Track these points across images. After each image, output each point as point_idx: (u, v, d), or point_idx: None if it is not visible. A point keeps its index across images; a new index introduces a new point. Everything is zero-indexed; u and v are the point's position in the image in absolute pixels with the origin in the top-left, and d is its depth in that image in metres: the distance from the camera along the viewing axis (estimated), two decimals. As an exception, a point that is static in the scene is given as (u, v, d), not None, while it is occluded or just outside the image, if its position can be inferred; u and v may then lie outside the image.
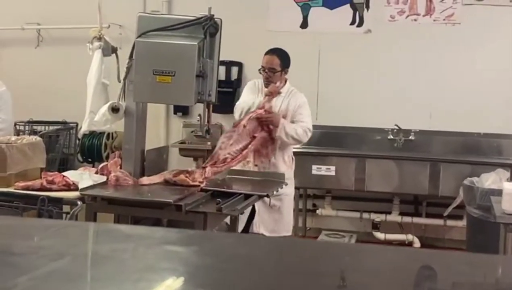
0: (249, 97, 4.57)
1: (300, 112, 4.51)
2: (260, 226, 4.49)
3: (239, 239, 1.78)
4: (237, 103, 4.61)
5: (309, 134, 4.49)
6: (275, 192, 3.99)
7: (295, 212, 6.14)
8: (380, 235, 6.14)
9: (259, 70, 4.52)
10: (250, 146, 4.18)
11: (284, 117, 4.45)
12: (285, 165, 4.51)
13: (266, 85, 4.52)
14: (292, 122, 4.46)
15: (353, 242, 6.03)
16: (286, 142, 4.42)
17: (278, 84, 4.45)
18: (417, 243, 6.13)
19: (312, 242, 1.75)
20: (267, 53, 4.53)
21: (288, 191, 4.46)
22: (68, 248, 1.49)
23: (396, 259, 1.47)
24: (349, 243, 5.96)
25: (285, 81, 4.60)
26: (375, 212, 6.24)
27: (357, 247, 1.73)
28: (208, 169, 3.99)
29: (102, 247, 1.53)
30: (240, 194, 3.72)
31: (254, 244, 1.61)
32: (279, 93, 4.53)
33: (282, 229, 4.55)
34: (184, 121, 6.89)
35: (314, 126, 6.32)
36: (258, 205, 4.42)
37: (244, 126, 4.19)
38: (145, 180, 3.87)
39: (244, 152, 4.13)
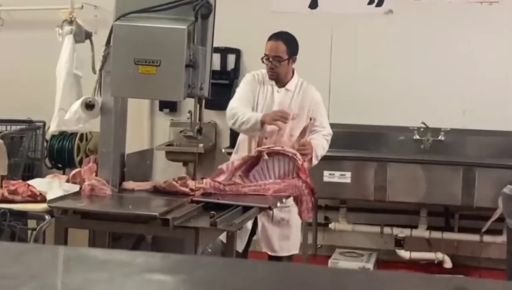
0: (246, 96, 4.50)
1: (319, 114, 4.53)
2: (262, 245, 4.48)
3: (236, 265, 1.76)
4: (231, 102, 4.51)
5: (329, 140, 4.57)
6: (279, 204, 3.97)
7: (303, 226, 6.15)
8: (404, 254, 6.13)
9: (262, 58, 4.50)
10: (277, 185, 4.01)
11: (294, 118, 4.41)
12: None
13: (272, 77, 4.51)
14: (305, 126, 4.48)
15: (372, 262, 6.02)
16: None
17: (290, 113, 4.33)
18: (448, 263, 6.13)
19: (324, 270, 1.73)
20: (270, 38, 4.50)
21: None
22: (31, 279, 1.48)
23: None
24: (368, 266, 5.96)
25: (293, 72, 4.59)
26: (399, 226, 6.23)
27: (380, 275, 1.72)
28: (207, 181, 3.98)
29: (72, 277, 1.52)
30: (238, 206, 3.71)
31: (254, 271, 1.60)
32: (286, 89, 4.52)
33: (290, 246, 4.55)
34: (172, 119, 6.89)
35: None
36: (261, 219, 4.42)
37: (262, 156, 4.03)
38: (130, 184, 3.86)
39: (264, 187, 3.98)
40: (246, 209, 3.73)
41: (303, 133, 4.39)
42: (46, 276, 1.51)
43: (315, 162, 4.38)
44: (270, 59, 4.45)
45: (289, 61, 4.48)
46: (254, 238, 4.60)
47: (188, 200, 3.78)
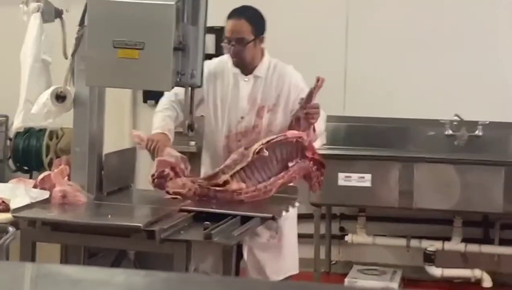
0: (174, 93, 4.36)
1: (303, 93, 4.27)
2: (251, 271, 4.41)
3: (232, 283, 1.78)
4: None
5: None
6: (284, 213, 3.97)
7: (315, 239, 6.16)
8: (435, 271, 6.14)
9: (222, 42, 4.37)
10: (281, 180, 4.04)
11: (273, 110, 4.31)
12: None
13: (236, 63, 4.34)
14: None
15: (397, 280, 6.03)
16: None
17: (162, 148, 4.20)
18: (487, 281, 6.14)
19: (338, 289, 1.70)
20: (230, 16, 4.32)
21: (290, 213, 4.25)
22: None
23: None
24: (392, 285, 5.97)
25: (262, 54, 4.40)
26: (428, 238, 6.24)
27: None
28: (201, 182, 4.00)
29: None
30: (235, 216, 3.71)
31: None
32: (256, 76, 4.36)
33: (286, 268, 4.47)
34: (158, 113, 6.89)
35: (340, 119, 6.42)
36: (245, 242, 4.35)
37: (262, 153, 3.99)
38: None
39: (265, 191, 3.99)
40: (245, 218, 3.74)
41: (309, 98, 4.09)
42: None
43: (318, 143, 4.31)
44: (233, 43, 4.28)
45: (256, 42, 4.31)
46: (241, 264, 4.48)
47: (176, 208, 3.79)
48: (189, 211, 3.76)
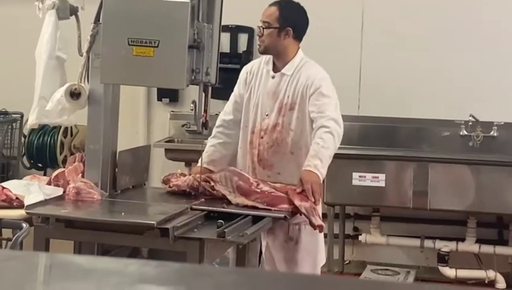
0: (229, 109, 4.50)
1: (317, 92, 4.22)
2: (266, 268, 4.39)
3: (246, 275, 1.77)
4: (226, 105, 4.58)
5: (341, 128, 4.23)
6: (299, 218, 3.96)
7: (329, 239, 6.15)
8: (449, 272, 6.12)
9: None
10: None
11: (292, 108, 4.27)
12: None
13: (259, 49, 4.39)
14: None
15: (411, 281, 6.01)
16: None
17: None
18: (501, 283, 6.11)
19: (355, 282, 1.71)
20: (269, 5, 4.42)
21: None
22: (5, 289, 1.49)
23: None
24: (406, 283, 5.95)
25: (295, 52, 4.38)
26: (442, 238, 6.22)
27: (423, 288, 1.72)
28: (198, 177, 4.03)
29: (51, 287, 1.54)
30: (247, 215, 3.71)
31: (269, 283, 1.61)
32: (282, 74, 4.34)
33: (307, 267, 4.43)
34: (172, 111, 6.90)
35: (355, 119, 6.40)
36: (265, 237, 4.34)
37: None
38: None
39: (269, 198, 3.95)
40: (256, 218, 3.74)
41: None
42: (23, 287, 1.53)
43: (324, 172, 4.11)
44: (260, 26, 4.36)
45: (280, 32, 4.29)
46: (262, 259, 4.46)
47: (188, 207, 3.80)
48: (201, 210, 3.76)
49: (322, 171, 4.03)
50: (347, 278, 5.26)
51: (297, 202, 3.88)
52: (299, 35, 4.39)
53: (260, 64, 4.45)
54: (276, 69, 4.37)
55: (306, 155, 4.16)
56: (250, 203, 3.87)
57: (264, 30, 4.30)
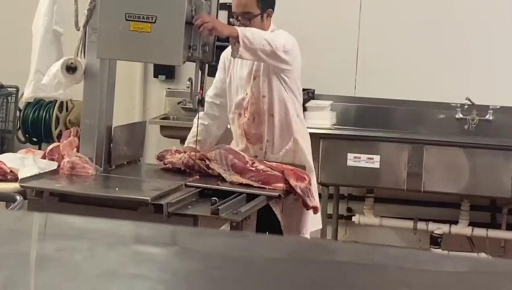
0: (215, 90, 4.45)
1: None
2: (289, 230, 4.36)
3: (239, 238, 1.78)
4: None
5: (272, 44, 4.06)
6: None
7: (322, 219, 6.16)
8: (441, 253, 6.14)
9: (231, 18, 4.33)
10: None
11: (257, 75, 4.24)
12: (302, 147, 4.40)
13: None
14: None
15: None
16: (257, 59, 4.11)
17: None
18: (493, 266, 6.13)
19: (347, 246, 1.72)
20: None
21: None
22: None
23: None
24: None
25: (268, 28, 4.31)
26: (435, 221, 6.24)
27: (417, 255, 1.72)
28: (193, 155, 4.03)
29: (44, 246, 1.54)
30: (241, 193, 3.71)
31: (265, 245, 1.61)
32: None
33: (315, 222, 4.43)
34: (169, 88, 6.89)
35: (351, 100, 6.40)
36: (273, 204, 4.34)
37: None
38: None
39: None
40: (250, 197, 3.73)
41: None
42: (17, 243, 1.53)
43: (246, 52, 3.96)
44: (239, 18, 4.22)
45: (263, 16, 4.23)
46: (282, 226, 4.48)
47: (183, 184, 3.80)
48: (195, 187, 3.77)
49: (240, 30, 3.94)
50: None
51: (292, 182, 3.89)
52: (274, 9, 4.33)
53: None
54: None
55: (285, 110, 4.27)
56: (244, 181, 3.87)
57: (249, 21, 4.18)
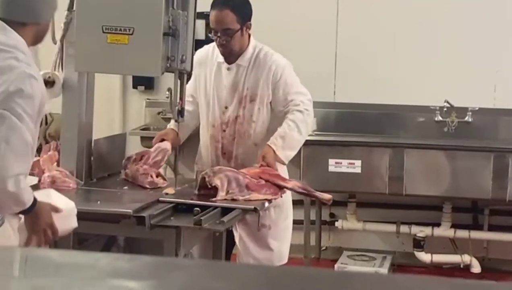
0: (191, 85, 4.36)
1: (283, 82, 4.24)
2: (244, 259, 4.37)
3: (219, 267, 1.77)
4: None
5: (311, 108, 4.30)
6: (267, 204, 3.90)
7: (305, 225, 6.16)
8: (424, 257, 6.15)
9: (209, 33, 4.30)
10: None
11: (253, 99, 4.26)
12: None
13: (224, 54, 4.26)
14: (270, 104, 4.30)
15: (387, 266, 6.03)
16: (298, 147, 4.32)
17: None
18: (476, 267, 6.15)
19: (327, 274, 1.71)
20: (214, 6, 4.21)
21: (284, 198, 4.26)
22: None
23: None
24: (381, 271, 5.98)
25: (249, 40, 4.31)
26: (418, 224, 6.25)
27: (397, 280, 1.72)
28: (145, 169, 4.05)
29: (21, 283, 1.52)
30: (216, 207, 3.64)
31: (241, 276, 1.60)
32: (238, 65, 4.28)
33: (274, 258, 4.37)
34: (148, 99, 6.87)
35: (331, 105, 6.41)
36: (237, 229, 4.32)
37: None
38: None
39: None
40: (226, 210, 3.67)
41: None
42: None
43: (288, 155, 4.21)
44: (219, 34, 4.17)
45: (243, 31, 4.22)
46: (234, 250, 4.49)
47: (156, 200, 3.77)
48: (169, 203, 3.70)
49: (279, 145, 4.12)
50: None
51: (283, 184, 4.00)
52: (251, 19, 4.31)
53: (208, 54, 4.37)
54: (230, 60, 4.31)
55: (268, 139, 4.24)
56: (261, 196, 3.85)
57: (230, 37, 4.18)
